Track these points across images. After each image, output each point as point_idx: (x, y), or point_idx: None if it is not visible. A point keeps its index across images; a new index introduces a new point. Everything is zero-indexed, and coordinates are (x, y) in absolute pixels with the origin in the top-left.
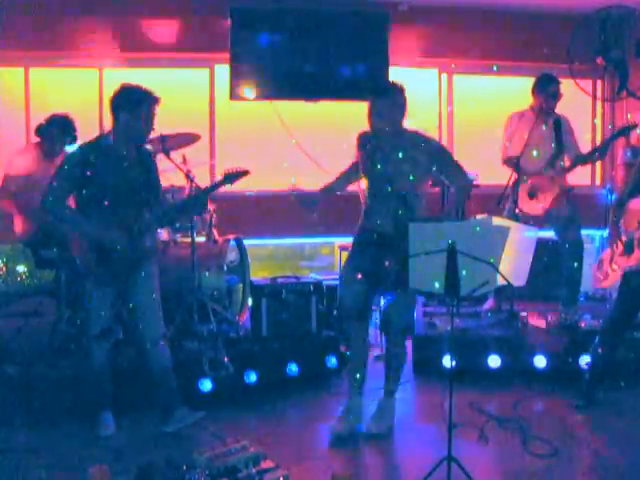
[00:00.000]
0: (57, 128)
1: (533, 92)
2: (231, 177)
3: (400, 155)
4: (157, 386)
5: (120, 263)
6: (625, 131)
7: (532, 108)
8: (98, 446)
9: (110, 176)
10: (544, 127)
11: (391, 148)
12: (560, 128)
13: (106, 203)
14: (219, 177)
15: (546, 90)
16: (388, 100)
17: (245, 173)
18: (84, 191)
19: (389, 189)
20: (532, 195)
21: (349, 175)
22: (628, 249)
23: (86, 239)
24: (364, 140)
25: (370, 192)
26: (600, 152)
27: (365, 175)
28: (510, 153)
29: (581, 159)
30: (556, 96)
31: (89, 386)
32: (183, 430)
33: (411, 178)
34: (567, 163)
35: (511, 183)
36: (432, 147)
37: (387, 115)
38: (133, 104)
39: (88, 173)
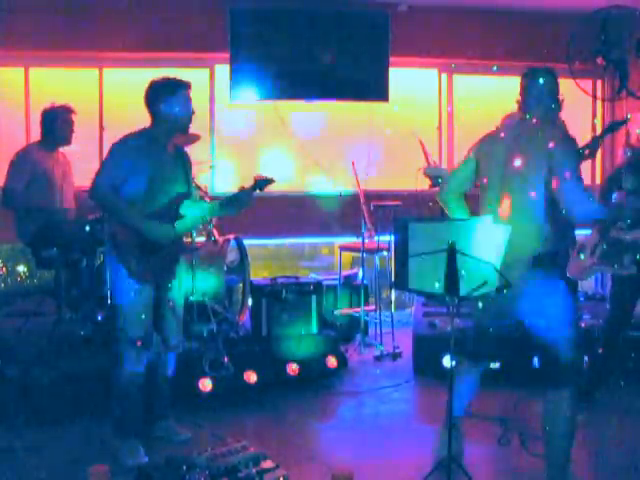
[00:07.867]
0: (66, 112)
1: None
2: (261, 184)
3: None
4: (153, 392)
5: (163, 258)
6: (613, 128)
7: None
8: (98, 446)
9: (155, 168)
10: None
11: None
12: None
13: (151, 195)
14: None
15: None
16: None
17: (271, 181)
18: (129, 182)
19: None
20: None
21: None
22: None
23: (132, 230)
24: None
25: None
26: (590, 149)
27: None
28: None
29: None
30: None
31: (115, 404)
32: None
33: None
34: None
35: None
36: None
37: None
38: (169, 93)
39: (134, 162)
